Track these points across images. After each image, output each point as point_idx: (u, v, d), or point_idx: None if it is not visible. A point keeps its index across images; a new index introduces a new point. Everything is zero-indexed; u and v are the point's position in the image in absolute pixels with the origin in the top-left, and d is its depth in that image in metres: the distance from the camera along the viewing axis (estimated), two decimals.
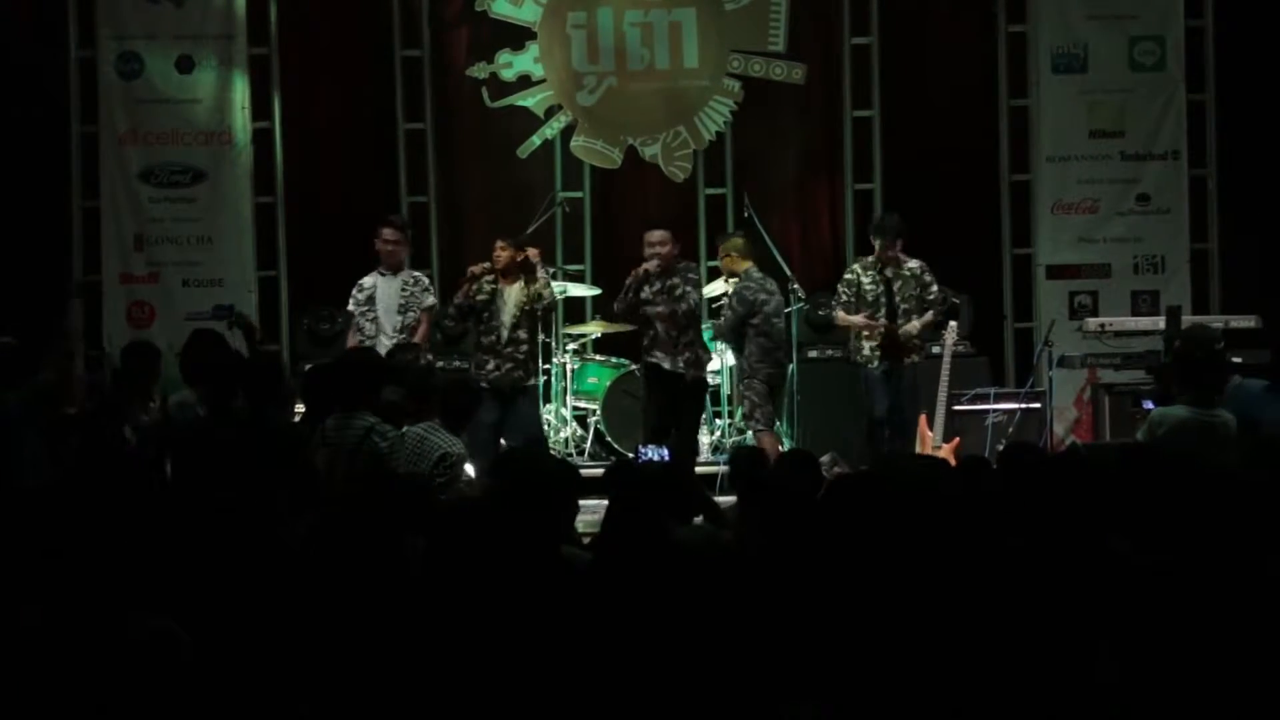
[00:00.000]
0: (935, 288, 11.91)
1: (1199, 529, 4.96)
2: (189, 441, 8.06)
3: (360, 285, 11.92)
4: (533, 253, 11.34)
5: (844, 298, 11.89)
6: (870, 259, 11.93)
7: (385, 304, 11.71)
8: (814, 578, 4.73)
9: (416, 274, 11.89)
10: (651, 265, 11.37)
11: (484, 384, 11.07)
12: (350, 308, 11.93)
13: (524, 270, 11.27)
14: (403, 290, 11.71)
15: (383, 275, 11.87)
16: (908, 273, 11.83)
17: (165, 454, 8.03)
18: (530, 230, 12.87)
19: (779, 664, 4.30)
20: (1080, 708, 4.28)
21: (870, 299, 11.81)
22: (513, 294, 11.28)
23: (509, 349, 11.25)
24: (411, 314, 11.63)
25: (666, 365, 11.40)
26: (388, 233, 11.94)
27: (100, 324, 13.77)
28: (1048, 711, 4.29)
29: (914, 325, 11.73)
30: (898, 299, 11.80)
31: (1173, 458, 6.39)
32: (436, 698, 4.31)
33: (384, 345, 11.32)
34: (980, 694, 4.30)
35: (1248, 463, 7.30)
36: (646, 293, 11.41)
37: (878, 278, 11.82)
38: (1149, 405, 10.88)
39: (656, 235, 11.51)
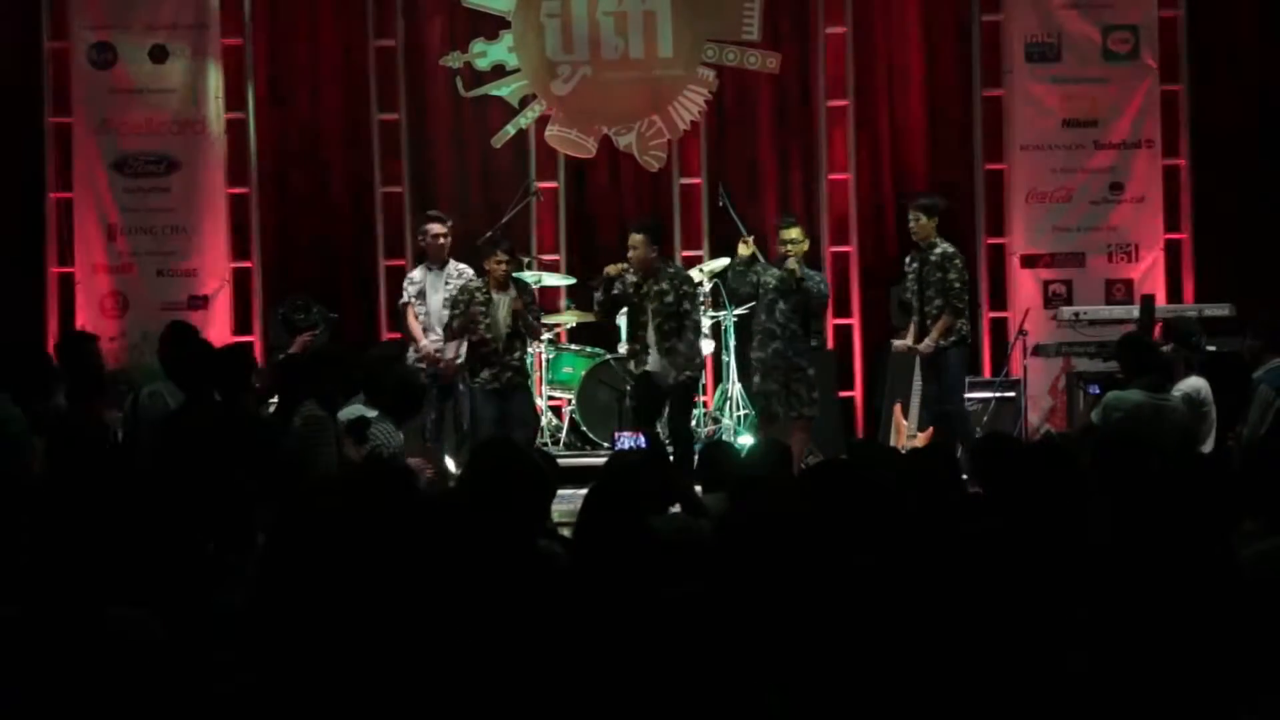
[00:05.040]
0: (954, 276, 11.66)
1: (1162, 513, 4.98)
2: (158, 432, 8.05)
3: (411, 279, 12.23)
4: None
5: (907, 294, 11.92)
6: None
7: (435, 299, 11.91)
8: (787, 565, 4.73)
9: (462, 266, 12.01)
10: (613, 269, 11.37)
11: (484, 388, 11.32)
12: (406, 299, 12.14)
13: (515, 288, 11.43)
14: (446, 284, 11.92)
15: (430, 270, 12.07)
16: (933, 258, 11.70)
17: (134, 445, 8.02)
18: (505, 220, 12.89)
19: (754, 652, 4.31)
20: (1051, 697, 4.30)
21: (911, 286, 11.81)
22: (505, 303, 11.34)
23: (506, 357, 11.36)
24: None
25: (655, 368, 11.28)
26: (434, 228, 12.10)
27: (74, 315, 13.75)
28: (1018, 700, 4.30)
29: (927, 344, 11.61)
30: (923, 285, 11.69)
31: (1134, 442, 6.43)
32: (410, 690, 4.31)
33: (433, 339, 11.79)
34: (952, 682, 4.31)
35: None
36: (631, 292, 11.33)
37: (911, 261, 11.85)
38: (1094, 389, 10.97)
39: (631, 239, 11.39)
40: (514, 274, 11.74)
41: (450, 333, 11.53)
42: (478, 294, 11.38)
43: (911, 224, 11.77)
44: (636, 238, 11.34)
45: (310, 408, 8.12)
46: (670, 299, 11.21)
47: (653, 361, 11.25)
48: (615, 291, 11.34)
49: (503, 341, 11.32)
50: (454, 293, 11.70)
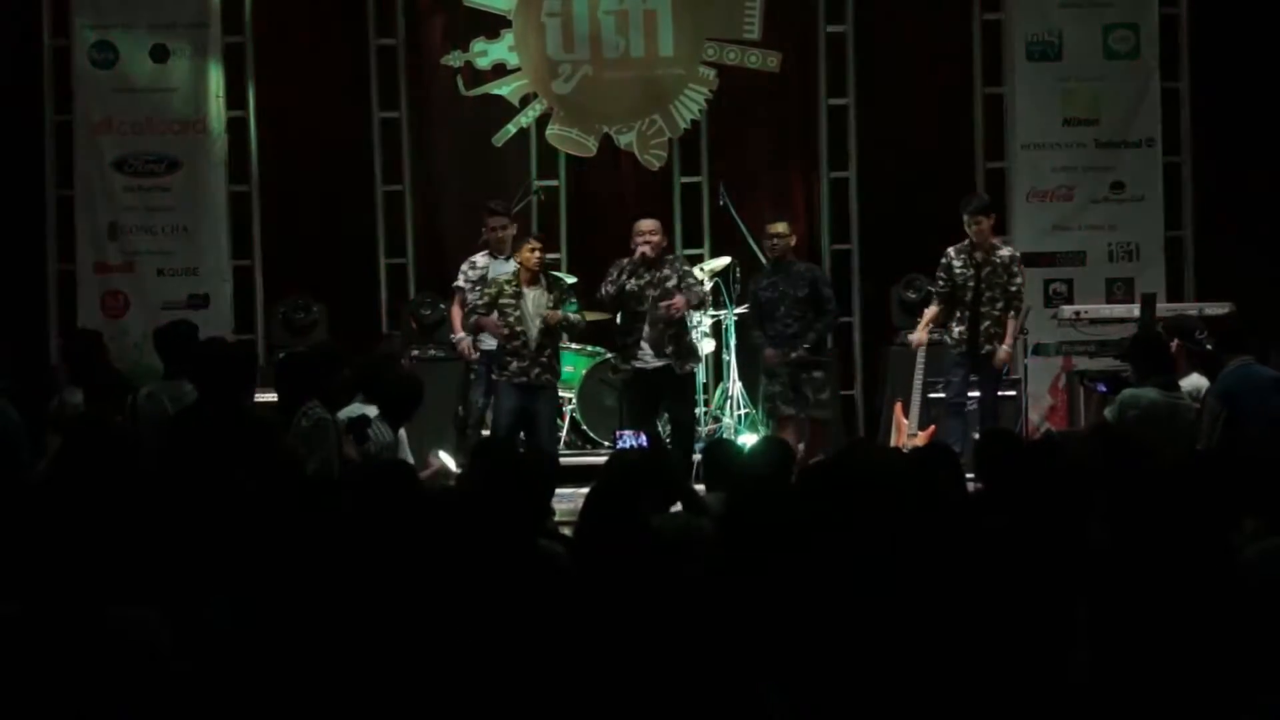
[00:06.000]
0: (1020, 279, 11.74)
1: (1169, 514, 4.98)
2: (159, 433, 8.05)
3: (473, 263, 11.91)
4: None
5: (940, 285, 11.79)
6: (965, 243, 11.76)
7: None
8: (787, 564, 4.73)
9: None
10: (648, 250, 11.02)
11: (511, 381, 11.01)
12: (461, 283, 11.87)
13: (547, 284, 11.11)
14: None
15: (494, 259, 11.84)
16: (998, 260, 11.69)
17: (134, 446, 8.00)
18: None
19: (753, 651, 4.31)
20: (1051, 696, 4.30)
21: (960, 282, 11.68)
22: (535, 299, 11.03)
23: (536, 353, 11.01)
24: None
25: (654, 363, 11.09)
26: (495, 221, 11.94)
27: (75, 314, 13.75)
28: (1019, 698, 4.30)
29: (1007, 352, 11.65)
30: (983, 286, 11.67)
31: (1145, 441, 6.44)
32: (412, 689, 4.31)
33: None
34: (951, 684, 4.31)
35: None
36: (633, 284, 11.07)
37: (969, 261, 11.71)
38: (1102, 388, 10.96)
39: (648, 224, 11.16)
40: (552, 273, 11.50)
41: (466, 327, 11.38)
42: (506, 287, 11.06)
43: (975, 229, 11.62)
44: (656, 223, 11.21)
45: (318, 410, 8.11)
46: (673, 284, 11.08)
47: (647, 353, 11.11)
48: (626, 287, 11.06)
49: (534, 339, 10.99)
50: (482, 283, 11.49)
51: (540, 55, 14.10)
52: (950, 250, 11.81)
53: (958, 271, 11.67)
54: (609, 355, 13.00)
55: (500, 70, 14.13)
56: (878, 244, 14.32)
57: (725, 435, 12.62)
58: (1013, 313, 11.70)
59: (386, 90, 14.25)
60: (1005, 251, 11.83)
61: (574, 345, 13.49)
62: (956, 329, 11.69)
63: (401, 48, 14.27)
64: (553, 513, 7.00)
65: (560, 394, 13.22)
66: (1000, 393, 12.22)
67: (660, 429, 11.64)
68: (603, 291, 11.21)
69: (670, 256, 11.43)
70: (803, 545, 4.83)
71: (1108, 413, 9.24)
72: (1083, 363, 12.62)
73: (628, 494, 5.85)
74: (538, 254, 11.08)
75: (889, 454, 8.68)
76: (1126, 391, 9.24)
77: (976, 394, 11.88)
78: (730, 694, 4.10)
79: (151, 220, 13.85)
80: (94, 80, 13.83)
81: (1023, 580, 4.76)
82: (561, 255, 14.25)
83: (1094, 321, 12.79)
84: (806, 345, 11.69)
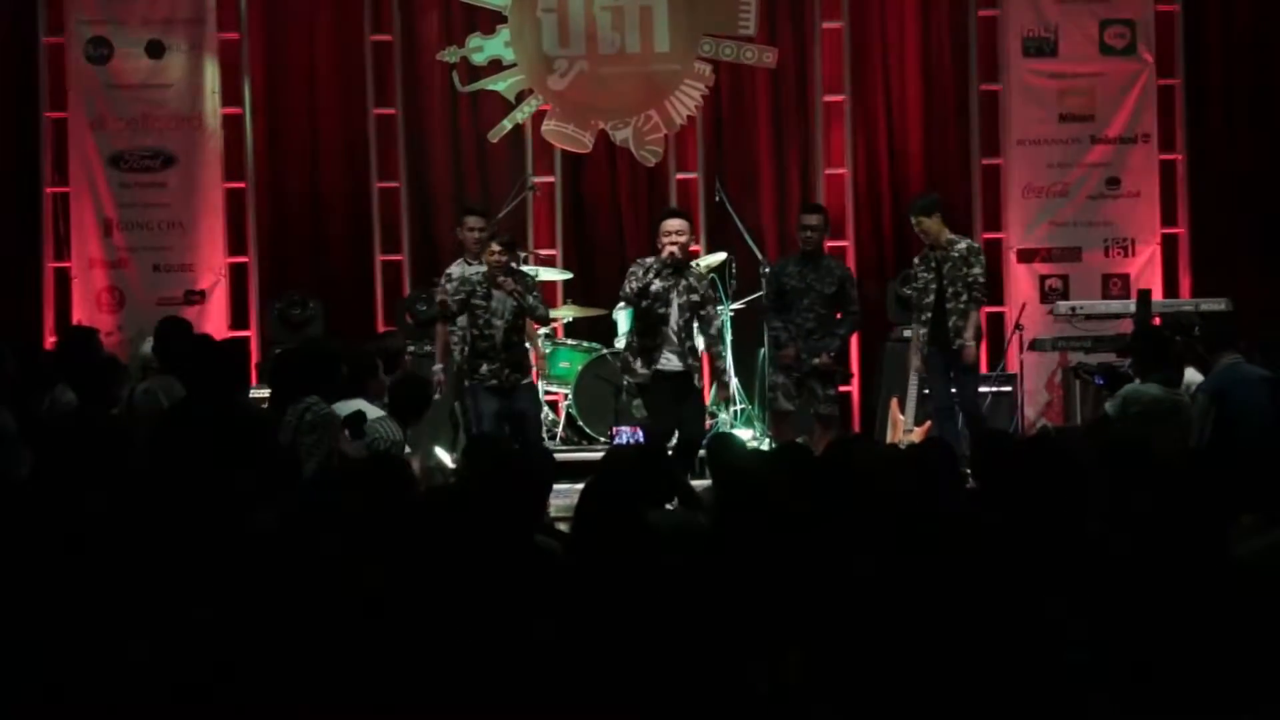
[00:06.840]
0: (978, 270, 11.41)
1: (1167, 510, 4.99)
2: (153, 430, 8.04)
3: (448, 275, 11.68)
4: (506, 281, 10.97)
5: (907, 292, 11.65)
6: (927, 248, 11.56)
7: None
8: (780, 558, 4.74)
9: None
10: (676, 250, 10.64)
11: (484, 384, 10.79)
12: (439, 296, 11.66)
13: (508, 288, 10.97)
14: None
15: (469, 265, 11.68)
16: (956, 254, 11.44)
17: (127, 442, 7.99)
18: (501, 215, 12.87)
19: (748, 644, 4.31)
20: (1049, 687, 4.30)
21: (920, 285, 11.55)
22: (503, 300, 10.88)
23: (505, 354, 10.86)
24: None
25: (674, 367, 10.73)
26: (472, 220, 11.84)
27: (70, 311, 13.75)
28: (1016, 689, 4.30)
29: (970, 349, 11.31)
30: (946, 283, 11.42)
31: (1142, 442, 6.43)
32: (409, 686, 4.31)
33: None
34: (951, 675, 4.32)
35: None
36: (658, 285, 10.67)
37: (927, 265, 11.52)
38: (1100, 381, 10.97)
39: (675, 223, 10.76)
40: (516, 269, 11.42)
41: (446, 309, 11.28)
42: (478, 288, 10.96)
43: (916, 230, 11.50)
44: (685, 224, 10.84)
45: (322, 407, 8.09)
46: (696, 297, 10.89)
47: (668, 359, 10.91)
48: (652, 288, 10.66)
49: (500, 337, 10.89)
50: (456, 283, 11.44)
51: (536, 51, 14.10)
52: (915, 259, 11.74)
53: (921, 275, 11.55)
54: (605, 351, 13.00)
55: (496, 66, 14.13)
56: (874, 240, 14.33)
57: (721, 430, 12.61)
58: (972, 304, 11.38)
59: (382, 86, 14.25)
60: (962, 245, 11.54)
61: (570, 341, 13.51)
62: (921, 331, 11.50)
63: (397, 44, 14.26)
64: (549, 509, 7.02)
65: (557, 390, 13.26)
66: (996, 389, 12.22)
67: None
68: (627, 289, 10.83)
69: (693, 270, 11.07)
70: (796, 540, 4.83)
71: (1109, 408, 9.26)
72: (1078, 358, 12.64)
73: (624, 490, 5.85)
74: (495, 256, 10.87)
75: (885, 450, 8.67)
76: (1128, 387, 9.25)
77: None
78: (726, 689, 4.11)
79: (147, 216, 13.85)
80: (89, 76, 13.83)
81: (1020, 576, 4.76)
82: (557, 251, 14.25)
83: (1089, 317, 12.82)
84: (831, 352, 11.56)
